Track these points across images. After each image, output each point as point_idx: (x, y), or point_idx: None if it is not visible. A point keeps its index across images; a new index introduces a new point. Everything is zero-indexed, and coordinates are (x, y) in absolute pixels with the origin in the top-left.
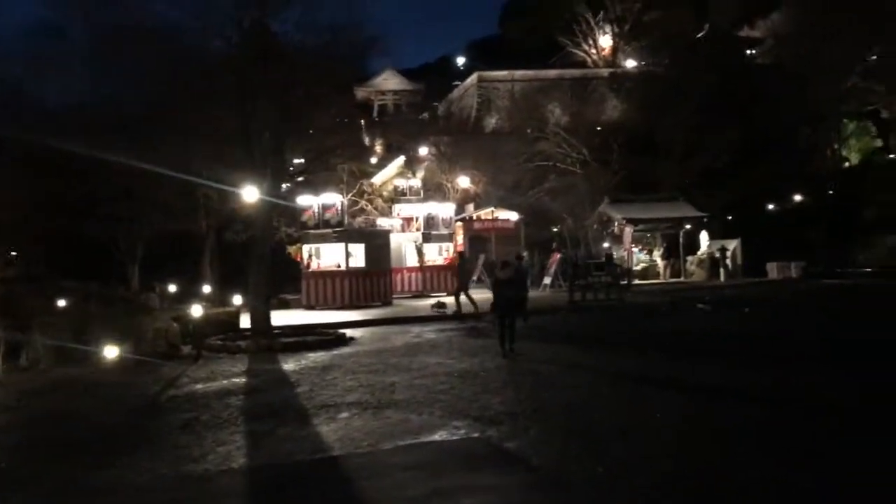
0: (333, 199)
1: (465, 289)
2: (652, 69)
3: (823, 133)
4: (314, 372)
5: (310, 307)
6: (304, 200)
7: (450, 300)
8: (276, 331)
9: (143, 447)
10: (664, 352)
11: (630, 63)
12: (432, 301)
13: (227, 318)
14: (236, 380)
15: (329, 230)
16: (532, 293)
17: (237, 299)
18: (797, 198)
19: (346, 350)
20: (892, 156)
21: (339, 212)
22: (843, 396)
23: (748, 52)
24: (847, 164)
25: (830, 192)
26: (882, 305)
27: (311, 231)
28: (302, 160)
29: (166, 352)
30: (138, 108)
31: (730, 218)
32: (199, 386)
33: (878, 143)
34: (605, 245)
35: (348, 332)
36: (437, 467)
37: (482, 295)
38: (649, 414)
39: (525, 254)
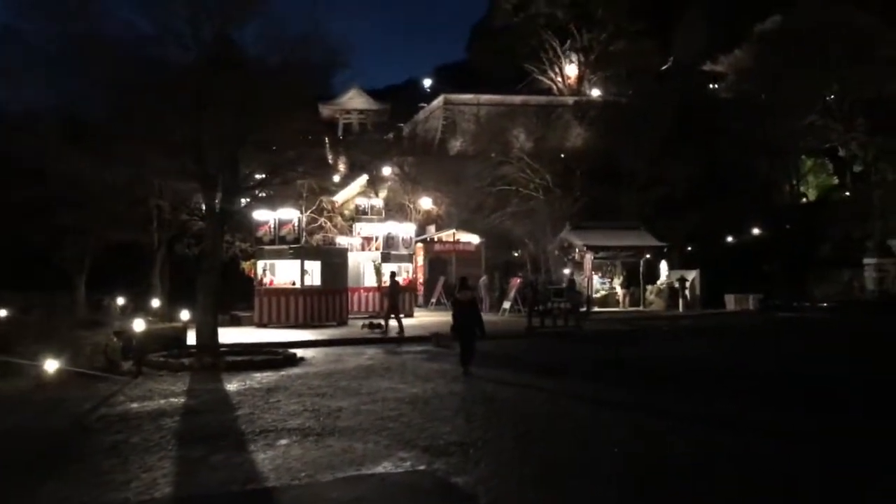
0: (291, 214)
1: (394, 311)
2: (616, 99)
3: (782, 168)
4: (258, 394)
5: (262, 325)
6: (261, 215)
7: (392, 322)
8: (223, 348)
9: (65, 471)
10: (621, 381)
11: (595, 92)
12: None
13: (173, 333)
14: (174, 400)
15: (285, 246)
16: (491, 317)
17: (185, 314)
18: (756, 231)
19: (294, 371)
20: (847, 193)
21: (297, 228)
22: (803, 428)
23: (711, 86)
24: (805, 199)
25: (788, 226)
26: (834, 340)
27: (267, 247)
28: (263, 175)
29: (105, 368)
30: (89, 114)
31: (689, 248)
32: (133, 405)
33: (835, 180)
34: (567, 271)
35: (299, 352)
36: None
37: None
38: (608, 446)
39: (484, 277)
